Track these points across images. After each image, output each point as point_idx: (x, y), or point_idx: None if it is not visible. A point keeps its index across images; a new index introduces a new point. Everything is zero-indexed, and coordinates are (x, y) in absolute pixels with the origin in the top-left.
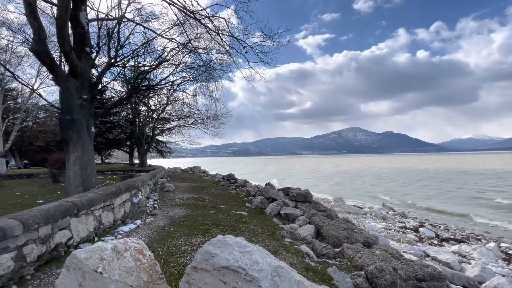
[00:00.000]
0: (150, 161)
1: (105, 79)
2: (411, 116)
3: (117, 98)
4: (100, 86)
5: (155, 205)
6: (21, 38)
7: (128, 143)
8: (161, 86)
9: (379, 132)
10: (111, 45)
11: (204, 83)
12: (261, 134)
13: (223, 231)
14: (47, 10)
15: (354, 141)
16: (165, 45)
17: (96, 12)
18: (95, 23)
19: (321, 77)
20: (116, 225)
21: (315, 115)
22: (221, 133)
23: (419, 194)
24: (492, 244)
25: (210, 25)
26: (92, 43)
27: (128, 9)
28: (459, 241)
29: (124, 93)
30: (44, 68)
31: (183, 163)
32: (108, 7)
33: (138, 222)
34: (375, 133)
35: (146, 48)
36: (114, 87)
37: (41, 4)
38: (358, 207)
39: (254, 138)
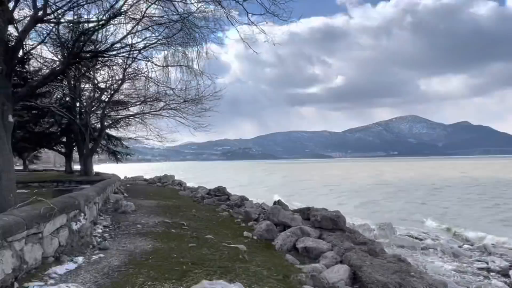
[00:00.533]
0: (98, 167)
1: (29, 42)
2: (498, 99)
3: (48, 71)
4: (21, 53)
5: (105, 234)
6: None
7: (65, 139)
8: (114, 53)
9: (448, 123)
10: None
11: (179, 48)
12: (267, 126)
13: (210, 275)
14: None
15: (410, 137)
16: None
17: None
18: None
19: (359, 38)
20: (46, 264)
21: (350, 97)
22: (205, 125)
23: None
24: None
25: None
26: None
27: None
28: None
29: (58, 63)
30: None
31: (148, 170)
32: None
33: (80, 259)
34: (442, 124)
35: None
36: (43, 55)
37: None
38: (416, 238)
39: (257, 133)
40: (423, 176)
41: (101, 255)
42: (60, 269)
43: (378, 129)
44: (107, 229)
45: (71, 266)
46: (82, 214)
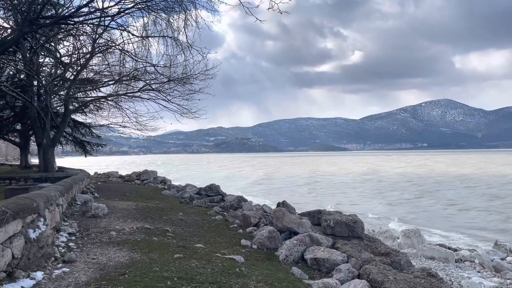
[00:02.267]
0: (62, 161)
1: None
2: None
3: None
4: None
5: (71, 244)
6: None
7: (19, 127)
8: (81, 19)
9: (489, 109)
10: None
11: (162, 15)
12: (269, 112)
13: None
14: None
15: (442, 126)
16: None
17: None
18: None
19: (380, 5)
20: None
21: (369, 76)
22: (194, 110)
23: None
24: None
25: None
26: None
27: None
28: None
29: (9, 31)
30: None
31: (123, 164)
32: None
33: (39, 275)
34: (482, 110)
35: None
36: None
37: None
38: (449, 248)
39: (257, 120)
40: (464, 172)
41: (66, 269)
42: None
43: (403, 116)
44: (73, 237)
45: (27, 283)
46: (42, 219)
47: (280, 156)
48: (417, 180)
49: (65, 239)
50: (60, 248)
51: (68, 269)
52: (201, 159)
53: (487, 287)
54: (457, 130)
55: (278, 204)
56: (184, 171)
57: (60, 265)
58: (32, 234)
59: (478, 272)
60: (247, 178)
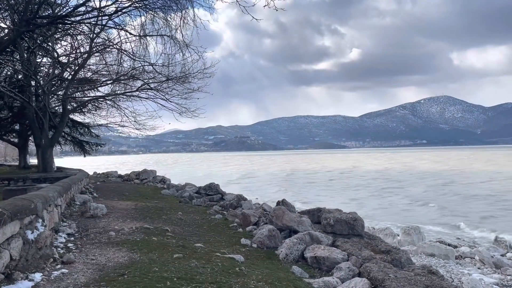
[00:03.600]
0: (61, 161)
1: None
2: None
3: None
4: None
5: (70, 244)
6: None
7: (18, 127)
8: (78, 19)
9: (488, 105)
10: None
11: (160, 13)
12: (268, 110)
13: None
14: None
15: (441, 122)
16: None
17: None
18: None
19: (377, 2)
20: None
21: (367, 74)
22: (193, 109)
23: None
24: None
25: None
26: None
27: None
28: None
29: (6, 31)
30: None
31: (122, 164)
32: None
33: (38, 276)
34: (481, 107)
35: None
36: None
37: None
38: (449, 245)
39: (256, 118)
40: (461, 168)
41: (64, 270)
42: None
43: (402, 113)
44: (71, 238)
45: (26, 285)
46: (40, 220)
47: (273, 154)
48: (385, 176)
49: (64, 240)
50: (59, 249)
51: (67, 270)
52: (194, 158)
53: (488, 284)
54: (456, 126)
55: (278, 203)
56: (171, 169)
57: (58, 266)
58: (30, 235)
59: (479, 268)
60: (226, 176)
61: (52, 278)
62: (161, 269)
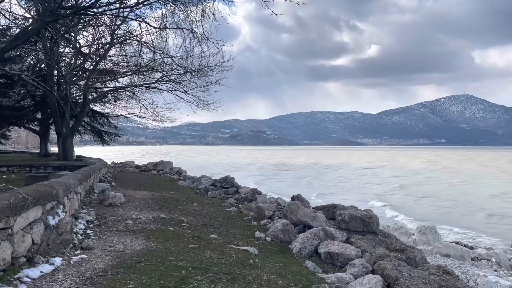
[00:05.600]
0: (80, 150)
1: None
2: None
3: (18, 30)
4: None
5: (89, 231)
6: None
7: (39, 116)
8: (100, 10)
9: (510, 105)
10: None
11: (181, 6)
12: (284, 105)
13: (214, 282)
14: None
15: (462, 122)
16: None
17: None
18: None
19: None
20: (17, 266)
21: (386, 71)
22: (211, 102)
23: None
24: None
25: None
26: None
27: None
28: None
29: (31, 21)
30: None
31: (139, 154)
32: None
33: (58, 260)
34: (504, 107)
35: None
36: (12, 10)
37: None
38: (465, 246)
39: (272, 113)
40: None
41: (83, 256)
42: (34, 272)
43: (422, 111)
44: (90, 225)
45: (46, 268)
46: (61, 206)
47: (281, 149)
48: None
49: (83, 227)
50: (78, 235)
51: (86, 256)
52: (203, 151)
53: (504, 286)
54: (477, 126)
55: (293, 198)
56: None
57: (78, 251)
58: (52, 221)
59: (495, 271)
60: (211, 167)
61: (72, 263)
62: (176, 258)
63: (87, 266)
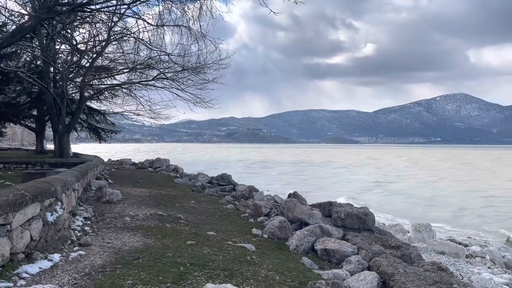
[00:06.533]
0: (76, 148)
1: None
2: None
3: (14, 27)
4: None
5: (86, 228)
6: None
7: (35, 112)
8: (98, 7)
9: (505, 104)
10: None
11: (177, 3)
12: (281, 103)
13: (212, 278)
14: None
15: (457, 120)
16: None
17: None
18: None
19: None
20: (16, 262)
21: (382, 69)
22: (208, 99)
23: None
24: None
25: None
26: None
27: None
28: None
29: (27, 18)
30: None
31: (136, 151)
32: None
33: (56, 257)
34: (498, 106)
35: None
36: (8, 6)
37: None
38: (459, 244)
39: (268, 111)
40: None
41: (82, 252)
42: (32, 268)
43: (417, 109)
44: (88, 222)
45: (45, 264)
46: (59, 203)
47: (275, 147)
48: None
49: (80, 223)
50: (76, 231)
51: (84, 252)
52: (195, 148)
53: (498, 283)
54: (472, 125)
55: (289, 195)
56: (152, 156)
57: (76, 248)
58: (50, 217)
59: (489, 268)
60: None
61: (70, 259)
62: (174, 254)
63: (86, 262)
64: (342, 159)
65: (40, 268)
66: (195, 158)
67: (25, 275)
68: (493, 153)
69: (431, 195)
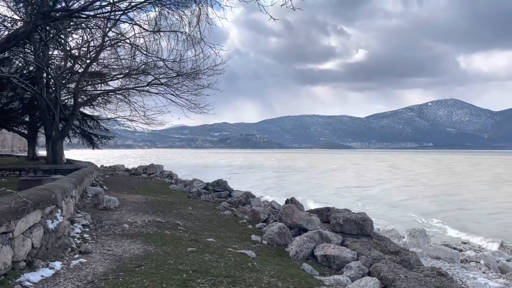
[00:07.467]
0: (68, 154)
1: None
2: None
3: (7, 33)
4: None
5: (85, 235)
6: None
7: (28, 118)
8: (92, 13)
9: (496, 109)
10: None
11: (172, 8)
12: (273, 109)
13: (216, 285)
14: None
15: (449, 125)
16: None
17: None
18: None
19: (384, 3)
20: (17, 270)
21: (374, 75)
22: (202, 105)
23: None
24: None
25: None
26: None
27: None
28: None
29: (20, 24)
30: None
31: (128, 158)
32: None
33: (58, 264)
34: (489, 111)
35: None
36: (1, 12)
37: None
38: (454, 249)
39: (261, 117)
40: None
41: (83, 260)
42: (35, 276)
43: (409, 115)
44: (87, 229)
45: (47, 272)
46: (59, 210)
47: (265, 152)
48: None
49: (79, 231)
50: (76, 239)
51: (85, 260)
52: (184, 154)
53: (493, 287)
54: (463, 130)
55: (287, 201)
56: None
57: (77, 255)
58: (51, 225)
59: (484, 273)
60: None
61: (72, 267)
62: (176, 261)
63: (87, 270)
64: (328, 164)
65: (42, 276)
66: (180, 164)
67: (27, 283)
68: (479, 158)
69: (399, 199)
